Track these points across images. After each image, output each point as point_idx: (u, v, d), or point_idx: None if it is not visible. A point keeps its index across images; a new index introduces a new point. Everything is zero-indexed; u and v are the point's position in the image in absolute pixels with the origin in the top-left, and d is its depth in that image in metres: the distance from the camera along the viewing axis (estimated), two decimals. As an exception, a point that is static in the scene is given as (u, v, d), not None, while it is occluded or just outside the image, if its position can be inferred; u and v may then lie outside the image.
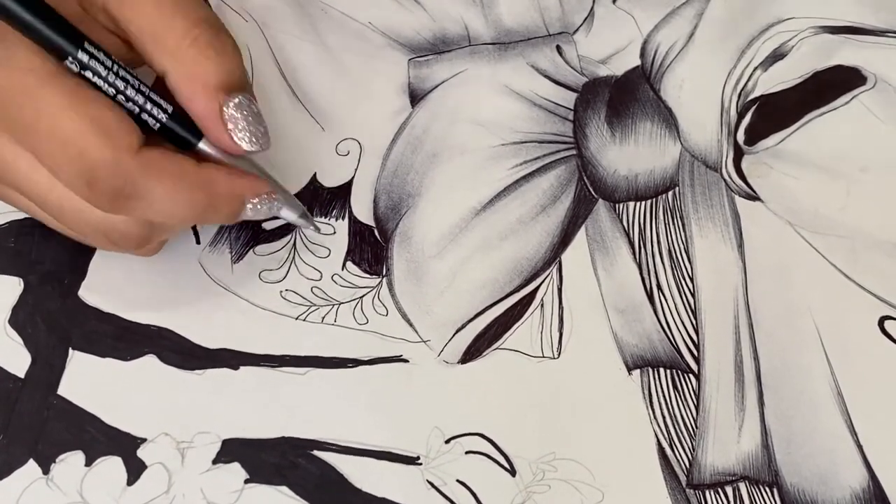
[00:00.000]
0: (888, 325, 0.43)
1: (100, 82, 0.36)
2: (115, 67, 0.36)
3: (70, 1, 0.37)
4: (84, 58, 0.35)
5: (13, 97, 0.35)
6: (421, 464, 0.40)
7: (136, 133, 0.36)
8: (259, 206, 0.39)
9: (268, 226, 0.44)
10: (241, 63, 0.38)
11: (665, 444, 0.41)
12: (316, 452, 0.40)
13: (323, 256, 0.44)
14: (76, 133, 0.34)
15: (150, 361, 0.41)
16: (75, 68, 0.35)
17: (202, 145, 0.38)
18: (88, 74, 0.35)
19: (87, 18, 0.37)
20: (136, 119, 0.37)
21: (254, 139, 0.38)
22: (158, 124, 0.37)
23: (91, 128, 0.35)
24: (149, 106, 0.37)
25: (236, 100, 0.38)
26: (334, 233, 0.44)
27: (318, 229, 0.44)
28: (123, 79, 0.36)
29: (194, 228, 0.44)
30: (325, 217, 0.45)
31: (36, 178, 0.37)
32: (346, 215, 0.45)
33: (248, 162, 0.39)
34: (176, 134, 0.38)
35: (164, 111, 0.37)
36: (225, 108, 0.37)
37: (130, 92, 0.36)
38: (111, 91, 0.36)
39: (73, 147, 0.35)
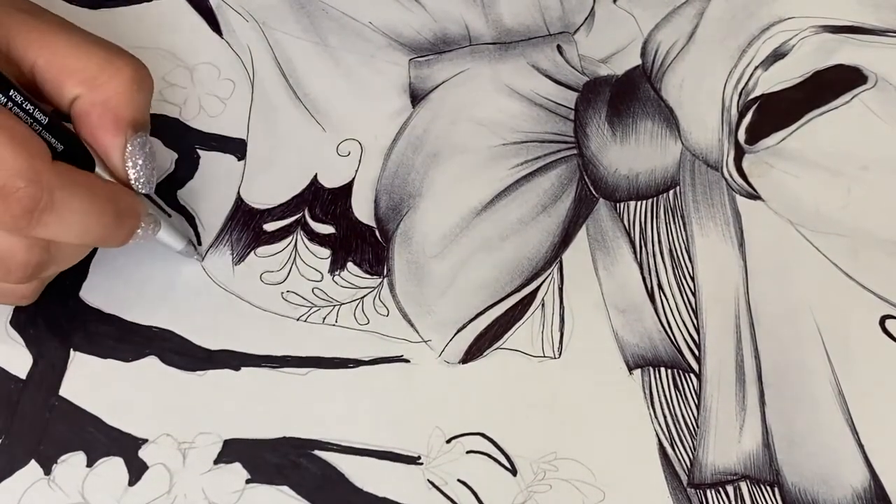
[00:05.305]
0: (889, 323, 0.43)
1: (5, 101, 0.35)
2: (13, 93, 0.35)
3: None
4: None
5: None
6: (422, 463, 0.40)
7: (48, 146, 0.35)
8: (148, 225, 0.39)
9: (269, 227, 0.44)
10: (149, 103, 0.39)
11: (666, 444, 0.41)
12: (317, 452, 0.40)
13: (324, 257, 0.44)
14: None
15: (151, 362, 0.41)
16: None
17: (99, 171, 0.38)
18: None
19: None
20: None
21: (143, 179, 0.39)
22: (61, 146, 0.37)
23: (4, 136, 0.33)
24: (46, 135, 0.36)
25: (140, 138, 0.38)
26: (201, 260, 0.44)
27: (201, 258, 0.43)
28: (29, 101, 0.36)
29: (195, 229, 0.44)
30: (326, 216, 0.45)
31: None
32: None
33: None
34: (75, 157, 0.37)
35: (61, 139, 0.37)
36: (129, 144, 0.38)
37: (37, 114, 0.36)
38: (15, 110, 0.35)
39: None
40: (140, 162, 0.38)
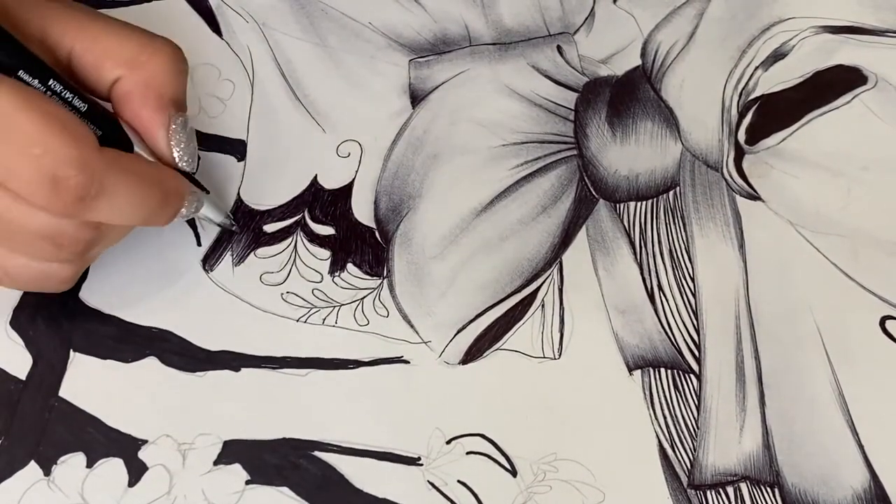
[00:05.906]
0: (889, 324, 0.43)
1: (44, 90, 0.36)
2: (52, 82, 0.36)
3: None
4: (26, 77, 0.35)
5: None
6: (422, 464, 0.40)
7: (93, 132, 0.35)
8: (191, 204, 0.40)
9: (269, 229, 0.44)
10: (186, 84, 0.40)
11: (666, 445, 0.41)
12: (317, 453, 0.40)
13: (323, 259, 0.44)
14: (39, 132, 0.33)
15: (151, 363, 0.41)
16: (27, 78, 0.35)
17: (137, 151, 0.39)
18: (36, 83, 0.35)
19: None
20: None
21: (187, 158, 0.40)
22: (101, 132, 0.37)
23: (54, 125, 0.34)
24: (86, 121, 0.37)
25: (182, 118, 0.39)
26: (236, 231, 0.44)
27: (239, 231, 0.44)
28: (68, 89, 0.36)
29: (195, 230, 0.44)
30: (326, 217, 0.45)
31: None
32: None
33: None
34: (114, 143, 0.38)
35: (100, 125, 0.37)
36: (172, 123, 0.39)
37: (76, 102, 0.37)
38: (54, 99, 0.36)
39: (37, 146, 0.33)
40: (184, 140, 0.39)
